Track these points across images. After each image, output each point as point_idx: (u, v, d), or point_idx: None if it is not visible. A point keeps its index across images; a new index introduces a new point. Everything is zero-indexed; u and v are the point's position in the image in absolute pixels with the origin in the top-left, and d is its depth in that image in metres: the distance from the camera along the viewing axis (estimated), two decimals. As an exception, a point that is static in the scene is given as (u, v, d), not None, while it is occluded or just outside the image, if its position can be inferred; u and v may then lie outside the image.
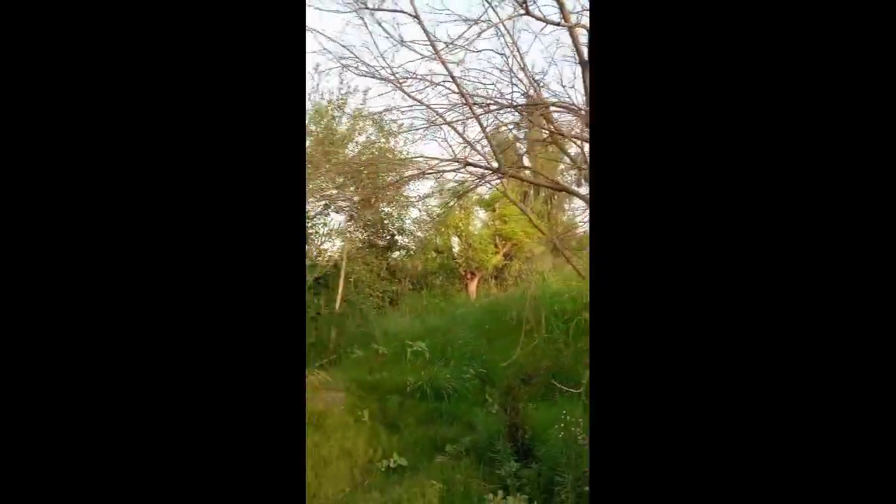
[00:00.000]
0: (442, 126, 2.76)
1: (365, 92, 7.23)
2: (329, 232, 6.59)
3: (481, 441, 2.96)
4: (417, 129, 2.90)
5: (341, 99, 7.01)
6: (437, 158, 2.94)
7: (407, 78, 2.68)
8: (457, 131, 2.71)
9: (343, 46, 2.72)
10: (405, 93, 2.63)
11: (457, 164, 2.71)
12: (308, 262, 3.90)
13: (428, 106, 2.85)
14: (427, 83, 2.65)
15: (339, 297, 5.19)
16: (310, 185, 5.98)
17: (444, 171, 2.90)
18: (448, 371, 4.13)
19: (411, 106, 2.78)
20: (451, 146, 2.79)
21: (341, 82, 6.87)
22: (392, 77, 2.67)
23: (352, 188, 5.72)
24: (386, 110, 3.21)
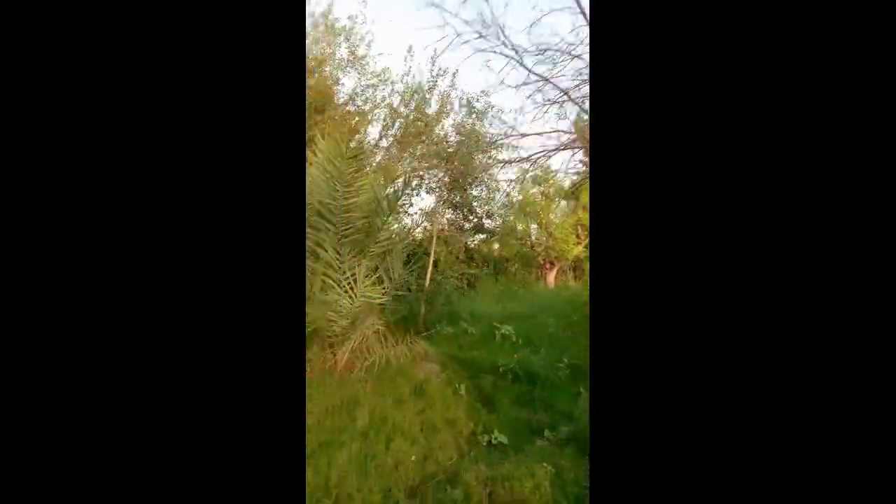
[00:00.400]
0: (564, 104, 2.66)
1: (454, 74, 7.22)
2: (416, 212, 6.79)
3: (581, 432, 2.88)
4: (533, 108, 2.82)
5: (431, 81, 7.07)
6: (563, 131, 2.83)
7: (546, 50, 2.59)
8: (583, 109, 2.58)
9: (465, 22, 2.70)
10: (530, 70, 2.55)
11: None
12: (402, 241, 4.03)
13: (546, 80, 2.75)
14: (565, 55, 2.54)
15: (427, 276, 5.32)
16: (400, 166, 6.13)
17: (577, 150, 2.79)
18: (539, 358, 4.07)
19: (539, 82, 2.69)
20: (572, 124, 2.68)
21: (433, 64, 6.91)
22: (514, 52, 2.60)
23: (442, 171, 5.80)
24: (521, 85, 3.14)
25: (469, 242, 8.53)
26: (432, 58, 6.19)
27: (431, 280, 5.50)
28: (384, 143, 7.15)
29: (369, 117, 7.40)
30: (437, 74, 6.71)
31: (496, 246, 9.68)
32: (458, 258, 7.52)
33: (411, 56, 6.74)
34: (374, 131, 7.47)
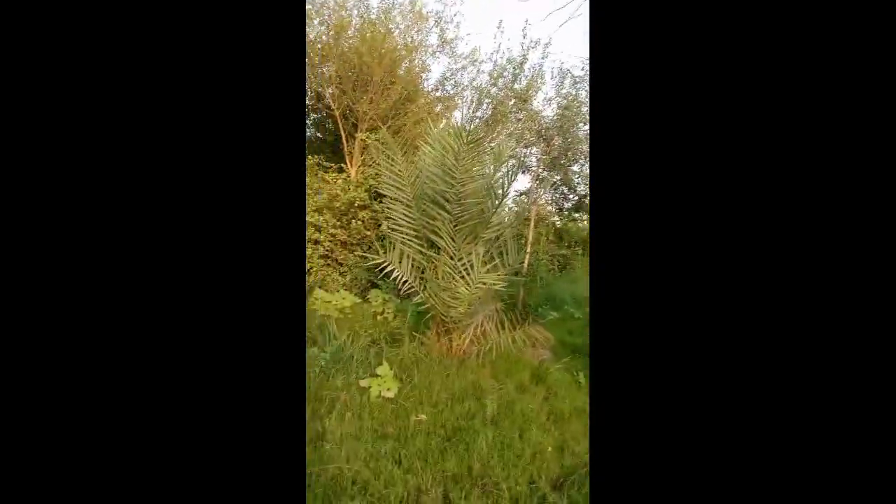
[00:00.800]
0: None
1: (546, 45, 6.82)
2: (511, 193, 6.63)
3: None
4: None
5: (523, 56, 6.75)
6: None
7: None
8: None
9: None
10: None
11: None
12: (511, 225, 3.92)
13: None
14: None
15: (526, 259, 5.20)
16: (492, 144, 5.99)
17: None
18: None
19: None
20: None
21: (524, 36, 6.58)
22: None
23: (539, 148, 5.55)
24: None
25: (557, 222, 8.19)
26: (523, 30, 5.87)
27: (531, 265, 5.37)
28: (469, 126, 7.05)
29: (457, 100, 7.34)
30: (528, 47, 6.39)
31: (585, 223, 9.16)
32: (547, 239, 7.27)
33: (501, 32, 6.47)
34: (459, 115, 7.40)
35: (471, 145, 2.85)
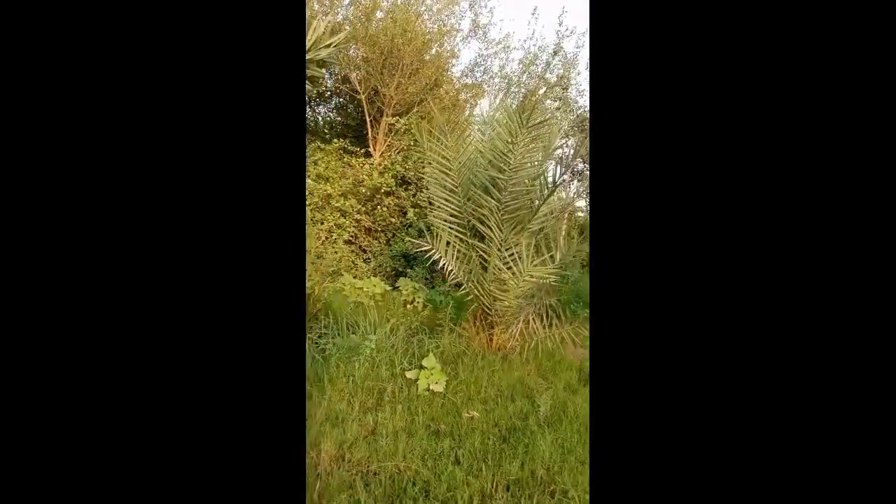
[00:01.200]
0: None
1: (582, 33, 6.60)
2: (561, 182, 6.47)
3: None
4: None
5: (557, 44, 6.54)
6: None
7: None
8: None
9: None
10: None
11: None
12: (561, 217, 3.76)
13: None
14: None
15: (557, 256, 5.04)
16: (528, 139, 5.81)
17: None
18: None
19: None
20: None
21: (560, 24, 6.36)
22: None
23: (577, 139, 5.36)
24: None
25: (580, 216, 8.03)
26: (559, 17, 5.66)
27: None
28: (497, 115, 6.86)
29: (485, 87, 7.14)
30: (563, 35, 6.18)
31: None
32: (569, 234, 7.12)
33: (536, 19, 6.27)
34: (486, 103, 7.20)
35: (530, 127, 2.68)
